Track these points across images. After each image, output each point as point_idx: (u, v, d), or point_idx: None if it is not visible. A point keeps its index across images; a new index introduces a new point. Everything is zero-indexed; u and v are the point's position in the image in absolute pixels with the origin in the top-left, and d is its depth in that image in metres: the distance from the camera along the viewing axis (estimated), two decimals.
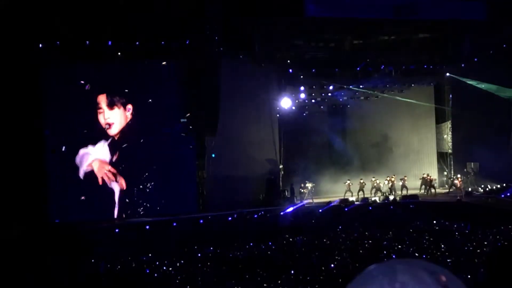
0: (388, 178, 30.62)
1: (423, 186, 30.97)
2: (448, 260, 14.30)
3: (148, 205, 25.75)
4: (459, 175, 30.56)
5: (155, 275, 15.07)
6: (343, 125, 33.86)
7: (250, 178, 27.37)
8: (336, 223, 22.24)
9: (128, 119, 26.24)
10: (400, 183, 30.44)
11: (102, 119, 25.96)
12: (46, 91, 25.02)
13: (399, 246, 16.89)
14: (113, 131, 26.12)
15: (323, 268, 14.01)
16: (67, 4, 22.63)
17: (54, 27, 23.30)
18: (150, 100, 26.13)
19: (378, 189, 30.08)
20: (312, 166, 31.25)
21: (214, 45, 26.15)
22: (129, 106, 26.23)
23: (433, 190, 30.65)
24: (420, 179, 31.43)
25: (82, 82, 25.29)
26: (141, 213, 25.45)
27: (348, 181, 30.35)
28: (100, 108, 25.92)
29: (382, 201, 27.94)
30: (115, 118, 26.09)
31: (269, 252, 17.50)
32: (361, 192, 29.82)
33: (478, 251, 15.43)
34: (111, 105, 26.07)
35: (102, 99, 25.93)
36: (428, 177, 31.17)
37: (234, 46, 26.88)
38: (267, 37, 27.83)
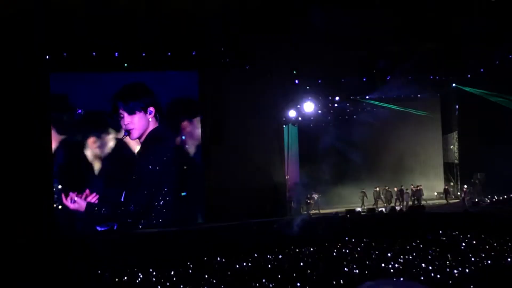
0: (395, 188, 30.72)
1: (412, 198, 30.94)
2: (454, 271, 14.27)
3: (154, 214, 25.81)
4: (465, 186, 30.51)
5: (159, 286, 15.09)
6: (349, 135, 33.81)
7: (256, 189, 27.29)
8: (342, 233, 22.20)
9: (151, 123, 26.16)
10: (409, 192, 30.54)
11: (122, 124, 25.84)
12: (54, 102, 25.09)
13: (406, 257, 16.87)
14: (134, 136, 26.02)
15: (329, 278, 14.01)
16: (74, 16, 22.68)
17: (61, 39, 23.38)
18: (156, 111, 26.16)
19: (377, 198, 30.21)
20: (319, 176, 31.20)
21: (220, 56, 26.24)
22: (151, 109, 26.13)
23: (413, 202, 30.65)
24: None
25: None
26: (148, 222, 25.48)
27: (363, 190, 30.61)
28: (121, 113, 25.81)
29: (389, 211, 27.85)
30: (135, 123, 26.03)
31: (275, 263, 17.48)
32: (366, 202, 29.99)
33: (485, 262, 15.40)
34: (130, 111, 25.98)
35: (121, 105, 25.83)
36: (416, 188, 31.13)
37: (241, 57, 26.93)
38: (272, 51, 27.82)
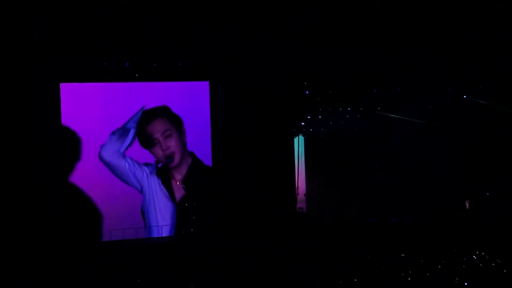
0: None
1: None
2: (465, 283, 14.28)
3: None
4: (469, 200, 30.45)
5: None
6: (358, 146, 33.83)
7: (266, 200, 27.25)
8: (349, 243, 22.23)
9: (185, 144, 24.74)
10: None
11: (159, 151, 23.88)
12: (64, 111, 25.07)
13: (415, 266, 16.88)
14: (176, 161, 24.28)
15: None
16: (84, 24, 22.80)
17: (71, 47, 23.46)
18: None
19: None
20: (329, 187, 31.24)
21: (231, 66, 26.33)
22: (183, 129, 24.83)
23: None
24: None
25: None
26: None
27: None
28: (155, 139, 23.84)
29: (397, 221, 27.93)
30: (174, 146, 24.17)
31: (282, 271, 17.52)
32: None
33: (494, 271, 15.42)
34: (165, 132, 24.16)
35: (155, 127, 23.98)
36: None
37: (250, 67, 27.01)
38: (282, 60, 27.90)
